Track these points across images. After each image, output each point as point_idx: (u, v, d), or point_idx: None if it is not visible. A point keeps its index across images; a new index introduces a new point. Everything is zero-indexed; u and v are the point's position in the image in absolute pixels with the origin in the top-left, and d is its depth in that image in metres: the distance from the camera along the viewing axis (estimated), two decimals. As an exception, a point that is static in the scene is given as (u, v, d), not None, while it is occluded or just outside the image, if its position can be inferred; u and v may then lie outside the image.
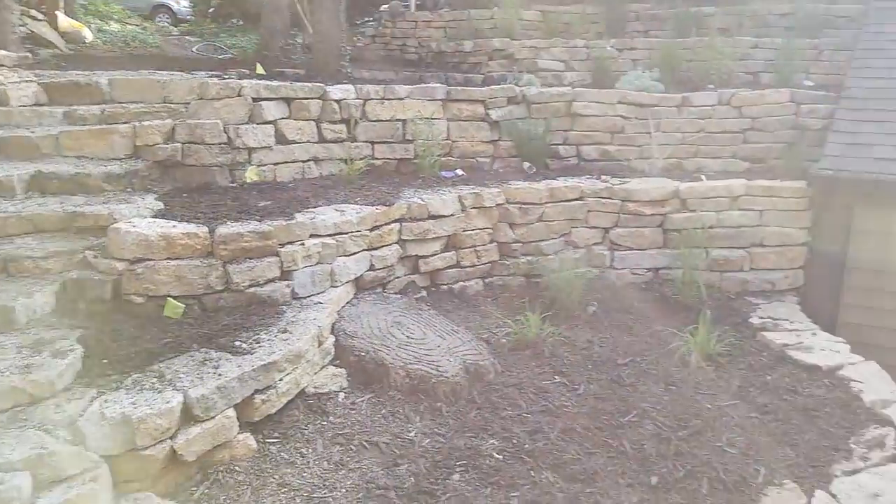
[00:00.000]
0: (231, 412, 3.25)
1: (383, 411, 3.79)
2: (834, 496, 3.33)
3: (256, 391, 3.39)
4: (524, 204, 5.63)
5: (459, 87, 6.48)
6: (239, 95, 5.23)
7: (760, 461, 3.61)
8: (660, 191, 5.84)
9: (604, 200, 5.83)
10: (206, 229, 3.98)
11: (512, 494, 3.28)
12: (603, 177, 6.17)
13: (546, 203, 5.70)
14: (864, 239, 5.71)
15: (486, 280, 5.55)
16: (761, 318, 5.33)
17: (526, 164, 6.41)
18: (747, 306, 5.58)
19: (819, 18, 8.14)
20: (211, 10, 14.23)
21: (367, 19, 10.15)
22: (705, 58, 7.53)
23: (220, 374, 3.27)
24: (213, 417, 3.16)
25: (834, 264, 5.79)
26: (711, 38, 7.78)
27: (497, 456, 3.54)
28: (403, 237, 5.03)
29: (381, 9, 10.17)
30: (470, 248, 5.39)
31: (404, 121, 6.08)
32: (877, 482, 3.43)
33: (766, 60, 7.68)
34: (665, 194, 5.84)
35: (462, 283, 5.38)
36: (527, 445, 3.62)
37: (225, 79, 5.83)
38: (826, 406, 4.13)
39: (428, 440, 3.60)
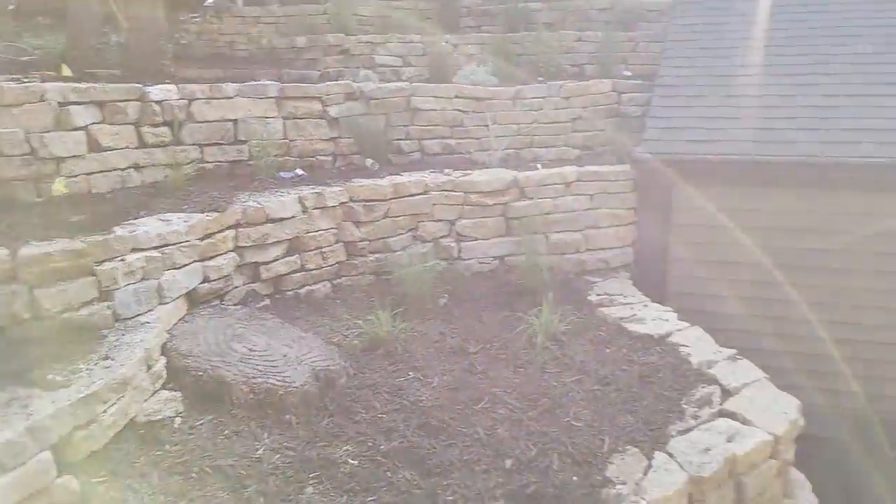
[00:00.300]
0: (46, 455, 2.89)
1: (226, 432, 3.55)
2: (671, 455, 3.56)
3: (76, 427, 3.06)
4: (369, 201, 5.54)
5: (294, 84, 6.24)
6: (42, 100, 4.68)
7: (605, 431, 3.78)
8: (500, 181, 5.98)
9: (448, 193, 5.87)
10: (6, 251, 3.53)
11: (369, 499, 3.21)
12: (446, 170, 6.22)
13: (391, 199, 5.64)
14: (683, 215, 6.20)
15: (335, 282, 5.40)
16: (598, 295, 5.63)
17: (369, 161, 6.32)
18: (586, 285, 5.87)
19: (634, 13, 8.75)
20: (11, 8, 12.74)
21: (191, 15, 9.53)
22: (535, 51, 7.85)
23: (30, 414, 2.91)
24: (24, 464, 2.79)
25: (659, 240, 6.25)
26: (539, 33, 8.12)
27: (352, 462, 3.44)
28: (240, 244, 4.75)
29: (207, 4, 9.61)
30: (315, 250, 5.21)
31: (235, 121, 5.76)
32: (707, 437, 3.71)
33: (589, 53, 8.14)
34: (505, 184, 5.99)
35: (309, 287, 5.19)
36: (382, 447, 3.55)
37: (25, 82, 5.21)
38: (659, 372, 4.42)
39: (278, 456, 3.42)
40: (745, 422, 3.84)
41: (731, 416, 3.90)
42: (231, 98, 5.76)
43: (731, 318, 5.86)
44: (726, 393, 4.14)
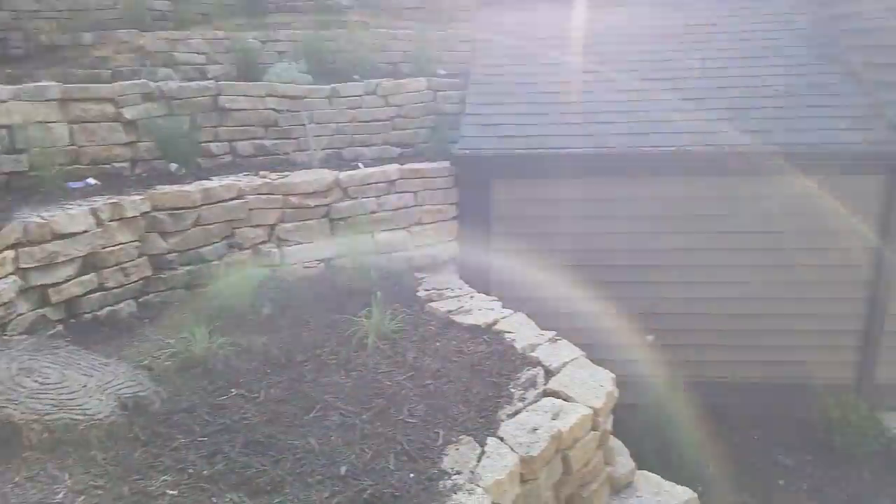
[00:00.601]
0: None
1: (17, 479, 3.08)
2: (502, 439, 3.63)
3: None
4: (176, 209, 5.12)
5: (81, 85, 5.62)
6: None
7: (439, 424, 3.79)
8: (321, 182, 5.82)
9: (265, 197, 5.61)
10: None
11: (192, 530, 2.94)
12: (261, 172, 5.95)
13: (201, 206, 5.27)
14: (502, 207, 6.44)
15: (141, 299, 4.93)
16: (427, 290, 5.67)
17: (173, 166, 5.85)
18: (415, 281, 5.89)
19: (445, 11, 8.92)
20: None
21: (-52, 8, 8.25)
22: (349, 49, 7.73)
23: None
24: None
25: (482, 232, 6.44)
26: (352, 30, 8.02)
27: (171, 492, 3.13)
28: (23, 265, 4.17)
29: (-33, -5, 8.36)
30: (115, 266, 4.71)
31: (10, 127, 5.06)
32: (534, 417, 3.83)
33: (403, 51, 8.17)
34: (326, 185, 5.84)
35: (110, 307, 4.68)
36: (205, 472, 3.28)
37: None
38: (488, 360, 4.51)
39: (82, 497, 3.03)
40: (567, 398, 4.03)
41: (555, 394, 4.07)
42: (4, 102, 5.06)
43: (549, 301, 6.17)
44: (549, 373, 4.32)
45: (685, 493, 4.30)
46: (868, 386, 6.41)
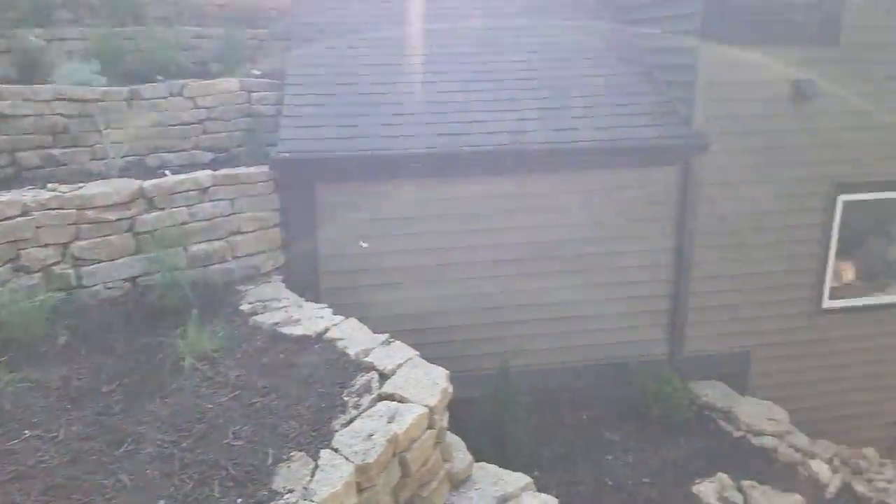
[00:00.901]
0: None
1: None
2: (336, 450, 3.50)
3: None
4: (-58, 231, 4.39)
5: None
6: None
7: (268, 443, 3.58)
8: (121, 193, 5.28)
9: (55, 212, 4.97)
10: None
11: None
12: (50, 185, 5.28)
13: (-25, 226, 4.56)
14: (328, 211, 6.25)
15: None
16: (251, 303, 5.36)
17: (-61, 182, 5.04)
18: (236, 295, 5.54)
19: (254, 10, 8.55)
20: None
21: None
22: (149, 48, 7.12)
23: None
24: None
25: (308, 238, 6.21)
26: (151, 28, 7.41)
27: (-53, 564, 2.65)
28: None
29: None
30: None
31: None
32: (370, 423, 3.73)
33: (212, 51, 7.71)
34: (128, 195, 5.31)
35: None
36: (-8, 531, 2.82)
37: None
38: (320, 370, 4.34)
39: None
40: (402, 400, 3.97)
41: (390, 397, 4.00)
42: None
43: (381, 304, 6.11)
44: (384, 377, 4.24)
45: (522, 479, 4.41)
46: (679, 359, 7.05)
